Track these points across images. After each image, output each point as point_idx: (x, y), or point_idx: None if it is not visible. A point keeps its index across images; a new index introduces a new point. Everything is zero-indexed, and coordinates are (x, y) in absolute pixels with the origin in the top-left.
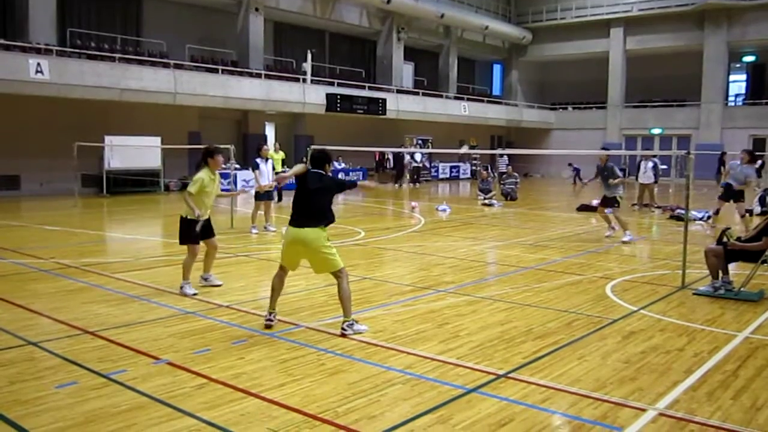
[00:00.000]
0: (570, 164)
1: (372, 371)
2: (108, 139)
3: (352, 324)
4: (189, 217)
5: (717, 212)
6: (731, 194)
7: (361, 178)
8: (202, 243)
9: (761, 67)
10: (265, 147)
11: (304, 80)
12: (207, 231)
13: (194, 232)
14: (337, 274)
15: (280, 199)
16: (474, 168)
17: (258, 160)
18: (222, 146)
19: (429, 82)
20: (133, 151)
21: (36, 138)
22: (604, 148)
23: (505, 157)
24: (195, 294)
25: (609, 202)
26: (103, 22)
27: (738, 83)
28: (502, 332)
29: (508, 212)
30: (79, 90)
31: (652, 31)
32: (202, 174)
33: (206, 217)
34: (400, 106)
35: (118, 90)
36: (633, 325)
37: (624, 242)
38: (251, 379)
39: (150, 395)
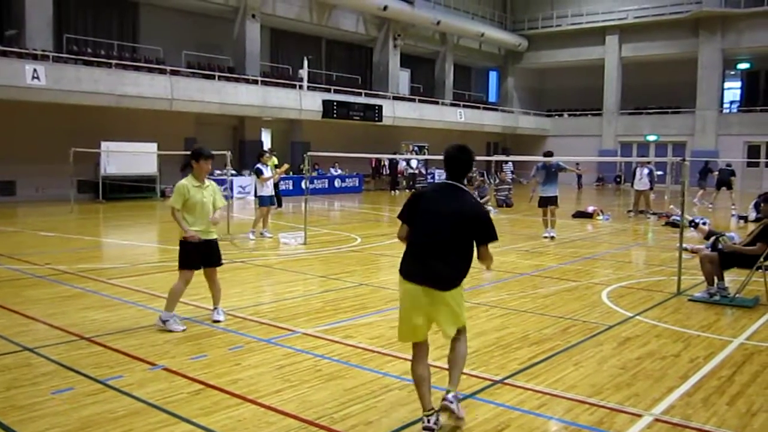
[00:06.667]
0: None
1: (369, 377)
2: (104, 144)
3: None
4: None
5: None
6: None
7: (358, 184)
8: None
9: (756, 75)
10: (266, 154)
11: (301, 87)
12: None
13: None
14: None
15: (279, 205)
16: (470, 174)
17: (260, 166)
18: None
19: (425, 88)
20: (129, 157)
21: (32, 144)
22: (548, 152)
23: (510, 164)
24: (183, 329)
25: (551, 201)
26: (99, 29)
27: (733, 90)
28: (498, 338)
29: (503, 218)
30: (76, 96)
31: (647, 38)
32: (185, 181)
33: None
34: (397, 112)
35: (115, 96)
36: (629, 331)
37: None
38: (248, 385)
39: (146, 401)
